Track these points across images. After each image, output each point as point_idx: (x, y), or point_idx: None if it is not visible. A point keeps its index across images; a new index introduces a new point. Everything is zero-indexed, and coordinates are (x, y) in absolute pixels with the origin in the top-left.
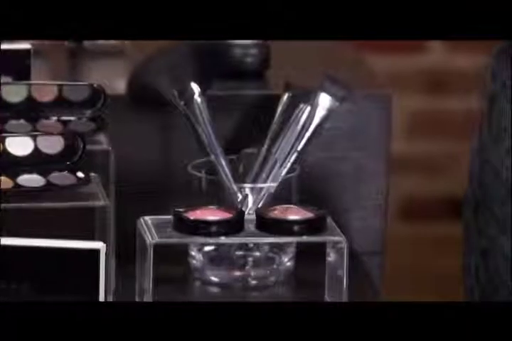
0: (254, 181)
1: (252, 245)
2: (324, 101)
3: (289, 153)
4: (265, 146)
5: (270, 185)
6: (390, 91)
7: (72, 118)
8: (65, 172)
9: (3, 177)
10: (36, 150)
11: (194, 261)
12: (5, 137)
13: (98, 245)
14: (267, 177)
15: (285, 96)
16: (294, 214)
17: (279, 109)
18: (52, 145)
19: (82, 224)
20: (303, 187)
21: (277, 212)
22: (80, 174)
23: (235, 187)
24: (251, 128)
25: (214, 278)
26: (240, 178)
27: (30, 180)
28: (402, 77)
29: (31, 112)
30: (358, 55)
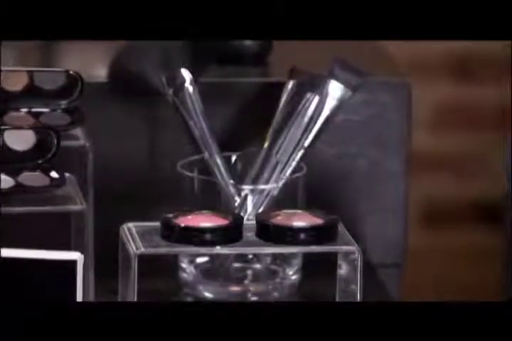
0: (255, 182)
1: (251, 256)
2: (335, 89)
3: (294, 150)
4: (267, 142)
5: (273, 187)
6: (410, 78)
7: (44, 109)
8: (37, 172)
9: None
10: (4, 146)
11: (185, 275)
12: None
13: (75, 256)
14: (269, 177)
15: (290, 84)
16: (300, 220)
17: (283, 98)
18: (22, 140)
19: (57, 232)
20: (310, 188)
21: (281, 218)
22: (54, 174)
23: (232, 189)
24: (251, 121)
25: (208, 294)
26: (238, 179)
27: None
28: (424, 62)
29: None
30: None
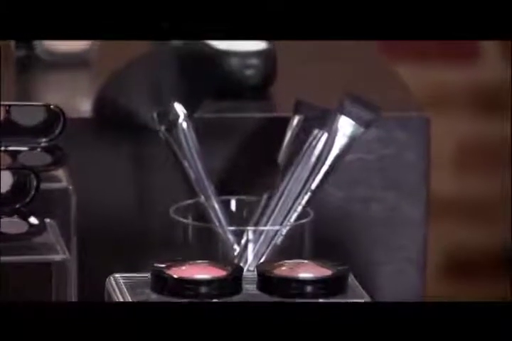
0: (256, 229)
1: None
2: (345, 126)
3: (300, 193)
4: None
5: (276, 232)
6: (429, 113)
7: (22, 148)
8: (14, 218)
9: None
10: None
11: None
12: None
13: None
14: (273, 223)
15: (295, 120)
16: (307, 271)
17: (288, 135)
18: None
19: (36, 283)
20: (318, 236)
21: (285, 269)
22: (33, 220)
23: (230, 236)
24: (252, 161)
25: None
26: (237, 225)
27: None
28: (445, 94)
29: None
30: (387, 67)
